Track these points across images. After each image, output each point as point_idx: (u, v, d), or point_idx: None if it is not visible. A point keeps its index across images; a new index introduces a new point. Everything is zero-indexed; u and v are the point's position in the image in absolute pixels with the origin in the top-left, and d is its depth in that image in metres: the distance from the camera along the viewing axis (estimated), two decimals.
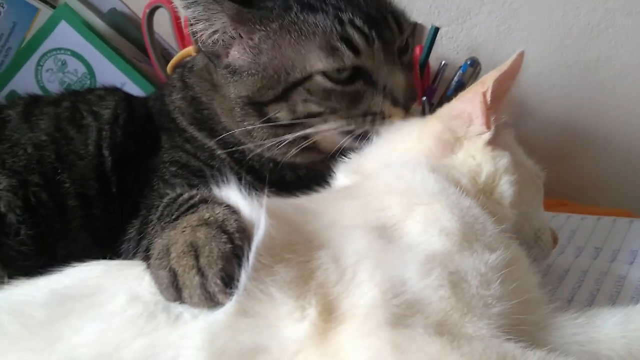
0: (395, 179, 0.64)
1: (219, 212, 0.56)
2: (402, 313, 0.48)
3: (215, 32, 0.76)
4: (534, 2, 1.33)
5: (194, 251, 0.53)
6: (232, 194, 0.60)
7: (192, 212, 0.58)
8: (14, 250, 0.78)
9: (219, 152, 0.85)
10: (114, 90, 1.00)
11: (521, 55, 0.69)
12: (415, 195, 0.61)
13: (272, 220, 0.54)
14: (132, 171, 0.86)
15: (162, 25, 1.19)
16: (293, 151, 0.80)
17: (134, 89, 1.23)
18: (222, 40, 0.77)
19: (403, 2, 1.32)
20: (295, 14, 0.75)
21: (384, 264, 0.53)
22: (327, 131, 0.78)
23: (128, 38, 1.30)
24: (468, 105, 0.68)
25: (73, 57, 1.23)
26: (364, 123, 0.78)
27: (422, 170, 0.64)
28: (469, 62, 1.22)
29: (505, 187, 0.67)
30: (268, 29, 0.76)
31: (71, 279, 0.57)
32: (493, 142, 0.68)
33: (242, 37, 0.77)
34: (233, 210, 0.57)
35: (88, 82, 1.24)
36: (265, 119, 0.78)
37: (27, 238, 0.79)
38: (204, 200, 0.60)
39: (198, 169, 0.84)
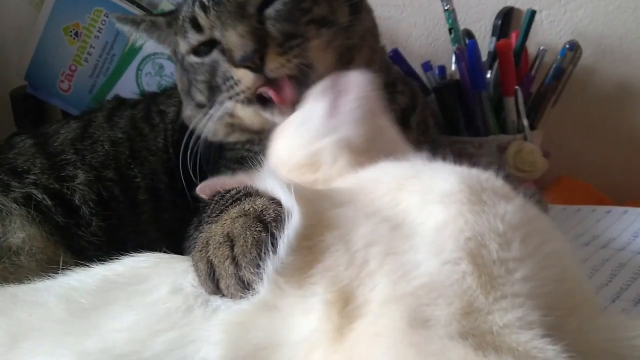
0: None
1: (258, 203, 0.55)
2: (420, 302, 0.43)
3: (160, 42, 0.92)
4: None
5: (230, 241, 0.52)
6: (276, 184, 0.58)
7: (236, 205, 0.58)
8: (85, 240, 0.83)
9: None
10: None
11: None
12: (398, 176, 0.56)
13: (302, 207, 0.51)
14: (192, 166, 0.89)
15: None
16: (222, 129, 0.87)
17: None
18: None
19: None
20: (183, 8, 0.84)
21: (393, 249, 0.47)
22: (227, 103, 0.81)
23: None
24: None
25: (169, 61, 1.29)
26: (229, 90, 0.78)
27: None
28: (567, 46, 1.12)
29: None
30: (170, 28, 0.88)
31: (123, 267, 0.59)
32: None
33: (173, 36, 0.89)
34: (275, 202, 0.56)
35: None
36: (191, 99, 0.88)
37: (98, 230, 0.84)
38: (248, 194, 0.59)
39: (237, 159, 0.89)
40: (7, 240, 0.76)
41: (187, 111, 0.90)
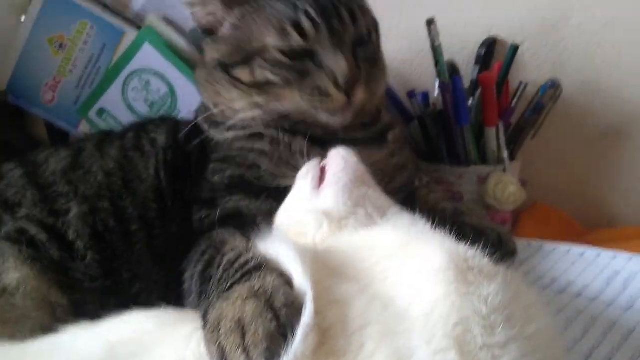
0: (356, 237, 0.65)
1: (269, 283, 0.57)
2: None
3: (208, 13, 0.92)
4: (629, 14, 1.23)
5: (241, 329, 0.54)
6: (289, 256, 0.59)
7: (246, 281, 0.59)
8: (81, 273, 0.84)
9: (220, 136, 0.96)
10: (168, 119, 1.09)
11: None
12: (388, 245, 0.60)
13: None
14: (183, 178, 0.95)
15: None
16: (242, 102, 0.92)
17: None
18: (214, 19, 0.93)
19: (485, 19, 1.29)
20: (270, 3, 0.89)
21: (388, 331, 0.49)
22: (286, 101, 0.89)
23: None
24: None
25: (156, 77, 1.29)
26: (313, 99, 0.87)
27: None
28: (549, 84, 1.16)
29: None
30: (245, 9, 0.90)
31: (127, 329, 0.60)
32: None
33: (228, 16, 0.92)
34: (285, 279, 0.57)
35: (169, 100, 1.30)
36: (229, 76, 0.92)
37: (93, 262, 0.85)
38: (258, 267, 0.61)
39: (226, 157, 0.94)
40: (2, 282, 0.77)
41: (203, 74, 1.00)
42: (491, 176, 1.15)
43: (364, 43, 0.91)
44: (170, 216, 0.91)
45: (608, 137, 1.28)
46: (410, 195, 1.00)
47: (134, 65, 1.29)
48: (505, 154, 1.15)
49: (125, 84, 1.30)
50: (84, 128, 1.35)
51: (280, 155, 0.90)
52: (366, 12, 0.94)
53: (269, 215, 0.82)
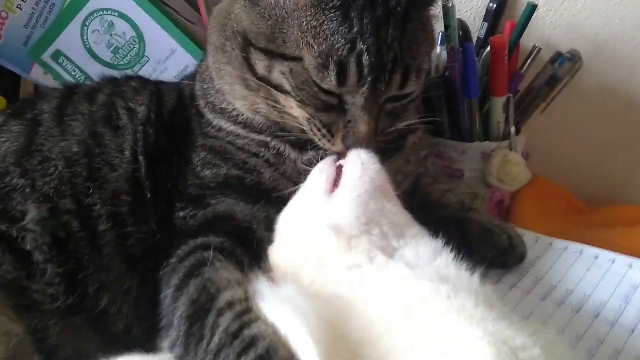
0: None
1: None
2: None
3: None
4: None
5: None
6: (297, 330, 0.52)
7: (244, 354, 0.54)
8: (39, 293, 0.72)
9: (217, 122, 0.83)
10: (148, 81, 0.93)
11: None
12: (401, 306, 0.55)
13: None
14: (165, 166, 0.81)
15: None
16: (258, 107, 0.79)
17: (185, 56, 1.13)
18: None
19: None
20: (331, 7, 0.68)
21: None
22: (289, 111, 0.75)
23: None
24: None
25: (120, 19, 1.13)
26: (317, 131, 0.74)
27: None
28: (568, 56, 1.04)
29: None
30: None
31: None
32: None
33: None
34: None
35: (137, 46, 1.15)
36: (244, 55, 0.75)
37: (54, 278, 0.72)
38: (260, 336, 0.55)
39: (223, 151, 0.80)
40: None
41: (216, 35, 0.81)
42: (496, 153, 1.05)
43: (398, 100, 0.75)
44: (149, 210, 0.77)
45: (616, 108, 1.19)
46: (412, 184, 0.90)
47: (94, 3, 1.12)
48: (513, 130, 1.05)
49: (84, 24, 1.13)
50: (37, 73, 1.18)
51: (285, 170, 0.78)
52: (422, 72, 0.76)
53: (265, 223, 0.72)
